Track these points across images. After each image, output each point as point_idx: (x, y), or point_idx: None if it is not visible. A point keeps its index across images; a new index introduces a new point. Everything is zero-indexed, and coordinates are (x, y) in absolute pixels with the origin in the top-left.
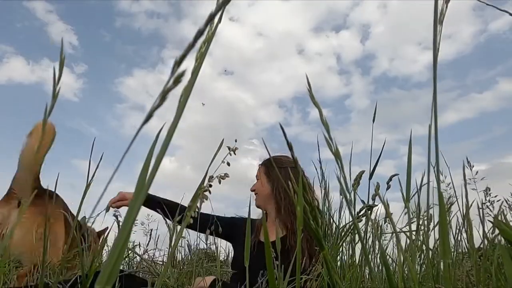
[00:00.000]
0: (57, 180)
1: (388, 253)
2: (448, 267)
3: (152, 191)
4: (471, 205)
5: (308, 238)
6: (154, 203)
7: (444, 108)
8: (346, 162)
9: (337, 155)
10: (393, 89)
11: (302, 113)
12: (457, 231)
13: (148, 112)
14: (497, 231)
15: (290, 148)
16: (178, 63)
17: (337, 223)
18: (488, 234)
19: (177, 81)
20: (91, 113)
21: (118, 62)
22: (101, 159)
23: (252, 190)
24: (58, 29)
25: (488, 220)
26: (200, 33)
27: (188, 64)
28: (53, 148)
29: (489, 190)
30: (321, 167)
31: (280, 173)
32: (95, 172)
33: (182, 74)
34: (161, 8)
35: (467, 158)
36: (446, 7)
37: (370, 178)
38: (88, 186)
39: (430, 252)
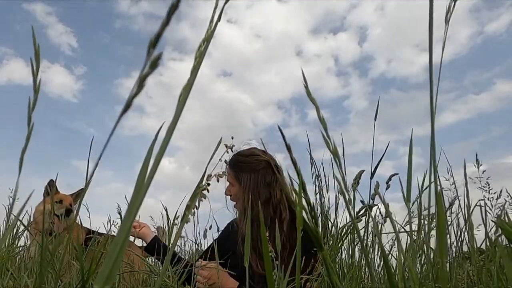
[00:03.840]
0: (56, 179)
1: (390, 252)
2: (445, 268)
3: (151, 191)
4: (473, 207)
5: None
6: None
7: (442, 109)
8: (346, 162)
9: (335, 153)
10: (391, 90)
11: (301, 114)
12: (458, 231)
13: (126, 100)
14: (499, 231)
15: (289, 150)
16: (153, 44)
17: (332, 223)
18: (490, 234)
19: (154, 65)
20: (90, 114)
21: (117, 63)
22: (99, 159)
23: (226, 195)
24: (58, 31)
25: (492, 220)
26: (174, 8)
27: (188, 64)
28: (53, 148)
29: (489, 185)
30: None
31: (250, 179)
32: (93, 172)
33: (158, 57)
34: (160, 10)
35: (476, 156)
36: (454, 5)
37: (372, 177)
38: (87, 186)
39: (432, 252)
